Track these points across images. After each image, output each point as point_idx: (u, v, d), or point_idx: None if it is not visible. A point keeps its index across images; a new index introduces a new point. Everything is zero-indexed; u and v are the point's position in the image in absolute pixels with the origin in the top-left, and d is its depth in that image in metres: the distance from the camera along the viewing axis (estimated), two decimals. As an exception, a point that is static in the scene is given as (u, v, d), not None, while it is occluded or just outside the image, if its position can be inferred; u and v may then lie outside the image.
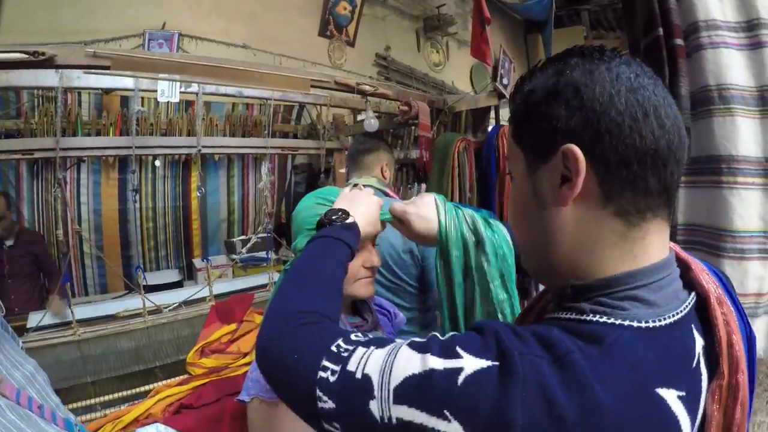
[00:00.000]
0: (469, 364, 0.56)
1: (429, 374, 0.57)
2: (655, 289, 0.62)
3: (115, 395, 2.17)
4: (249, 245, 3.00)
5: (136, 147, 2.67)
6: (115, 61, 2.23)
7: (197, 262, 4.56)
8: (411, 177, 4.00)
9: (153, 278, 4.11)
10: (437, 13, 7.41)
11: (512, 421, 0.50)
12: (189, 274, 4.79)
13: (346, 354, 0.64)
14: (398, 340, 0.65)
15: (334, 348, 0.66)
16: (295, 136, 5.14)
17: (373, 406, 0.58)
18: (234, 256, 4.15)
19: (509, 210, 0.79)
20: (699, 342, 0.65)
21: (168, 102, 4.26)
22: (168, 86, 2.57)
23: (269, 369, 0.73)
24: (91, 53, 2.17)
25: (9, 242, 3.43)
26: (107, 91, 4.10)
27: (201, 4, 5.06)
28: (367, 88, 2.86)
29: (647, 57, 2.10)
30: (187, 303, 2.75)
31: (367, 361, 0.62)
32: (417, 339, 0.64)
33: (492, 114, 3.71)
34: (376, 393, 0.59)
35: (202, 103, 2.62)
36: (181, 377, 2.22)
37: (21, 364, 0.95)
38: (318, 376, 0.63)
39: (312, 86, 2.67)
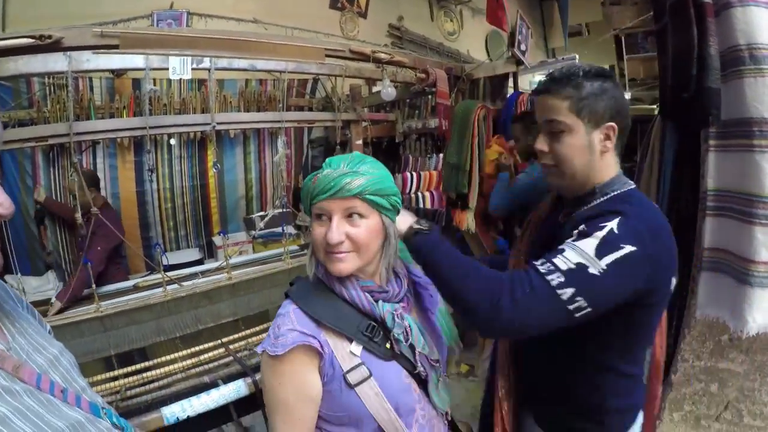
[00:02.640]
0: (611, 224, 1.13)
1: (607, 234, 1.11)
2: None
3: (138, 365, 2.22)
4: (266, 220, 2.97)
5: (150, 127, 2.63)
6: (123, 40, 2.19)
7: (217, 240, 4.57)
8: (429, 147, 3.94)
9: (174, 258, 4.12)
10: (450, -19, 7.25)
11: None
12: (209, 252, 4.80)
13: (552, 266, 1.09)
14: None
15: (542, 269, 1.10)
16: (311, 110, 5.09)
17: (591, 270, 1.07)
18: (252, 232, 4.13)
19: (561, 154, 1.29)
20: None
21: (180, 80, 4.25)
22: (179, 63, 2.52)
23: (525, 323, 1.10)
24: (99, 33, 2.14)
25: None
26: (118, 74, 4.08)
27: (209, -18, 4.98)
28: (383, 55, 2.79)
29: (674, 17, 2.02)
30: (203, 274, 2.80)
31: (567, 259, 1.09)
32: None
33: (510, 81, 3.63)
34: (587, 263, 1.07)
35: (214, 79, 2.56)
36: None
37: (44, 348, 0.92)
38: (554, 283, 1.06)
39: (326, 56, 2.61)
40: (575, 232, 1.15)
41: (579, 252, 1.09)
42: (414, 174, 3.99)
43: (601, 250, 1.07)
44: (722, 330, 2.07)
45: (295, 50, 2.52)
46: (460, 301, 1.13)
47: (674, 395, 2.25)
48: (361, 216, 1.06)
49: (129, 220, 4.44)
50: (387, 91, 2.96)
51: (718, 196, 2.02)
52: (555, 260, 1.10)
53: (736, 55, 1.84)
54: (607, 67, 9.29)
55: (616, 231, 1.09)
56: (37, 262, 3.99)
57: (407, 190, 4.04)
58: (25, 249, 3.92)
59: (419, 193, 4.06)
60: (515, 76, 3.58)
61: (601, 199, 1.27)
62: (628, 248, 1.07)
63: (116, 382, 2.12)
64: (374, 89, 4.66)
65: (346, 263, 1.07)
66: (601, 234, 1.09)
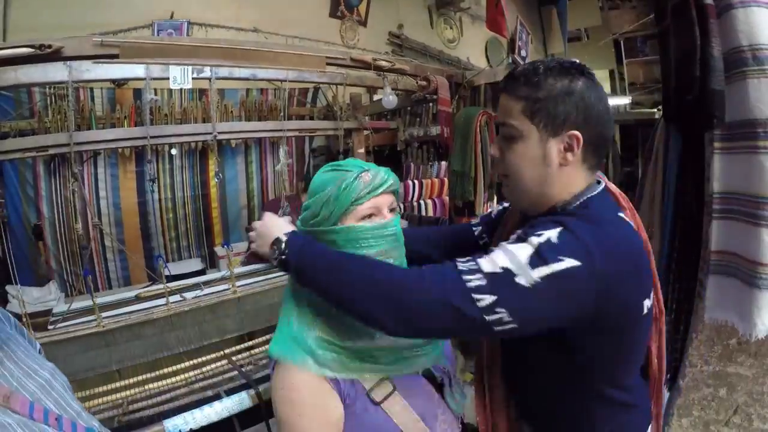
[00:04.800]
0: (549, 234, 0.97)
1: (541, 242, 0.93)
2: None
3: (140, 377, 2.19)
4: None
5: (151, 137, 2.62)
6: (124, 49, 2.19)
7: (219, 250, 4.55)
8: (431, 154, 3.93)
9: (176, 268, 4.10)
10: (449, -12, 7.26)
11: None
12: (211, 262, 4.78)
13: (475, 266, 0.93)
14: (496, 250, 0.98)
15: (462, 266, 0.94)
16: (312, 119, 5.09)
17: (519, 279, 0.89)
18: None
19: (511, 164, 1.12)
20: None
21: (181, 90, 4.25)
22: (180, 72, 2.51)
23: (427, 328, 0.95)
24: (99, 42, 2.14)
25: None
26: (119, 84, 4.08)
27: (209, -9, 5.00)
28: (384, 63, 2.79)
29: (676, 19, 2.02)
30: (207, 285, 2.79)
31: (494, 261, 0.92)
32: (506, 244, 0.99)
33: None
34: (516, 271, 0.90)
35: (215, 88, 2.55)
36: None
37: (35, 372, 0.89)
38: (470, 285, 0.89)
39: (327, 64, 2.61)
40: (513, 236, 1.01)
41: (510, 256, 0.92)
42: (416, 182, 3.98)
43: (535, 261, 0.91)
44: (730, 334, 2.05)
45: (295, 59, 2.52)
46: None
47: (682, 401, 2.23)
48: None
49: (130, 231, 4.45)
50: (388, 99, 2.95)
51: (724, 199, 2.00)
52: (480, 260, 0.94)
53: (739, 56, 1.83)
54: (607, 71, 9.28)
55: (554, 241, 0.93)
56: (40, 273, 3.98)
57: (409, 198, 4.03)
58: (27, 259, 3.91)
59: (421, 201, 4.05)
60: (516, 81, 3.57)
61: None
62: (568, 262, 0.90)
63: (118, 394, 2.10)
64: (375, 97, 4.66)
65: None
66: (537, 241, 0.93)
